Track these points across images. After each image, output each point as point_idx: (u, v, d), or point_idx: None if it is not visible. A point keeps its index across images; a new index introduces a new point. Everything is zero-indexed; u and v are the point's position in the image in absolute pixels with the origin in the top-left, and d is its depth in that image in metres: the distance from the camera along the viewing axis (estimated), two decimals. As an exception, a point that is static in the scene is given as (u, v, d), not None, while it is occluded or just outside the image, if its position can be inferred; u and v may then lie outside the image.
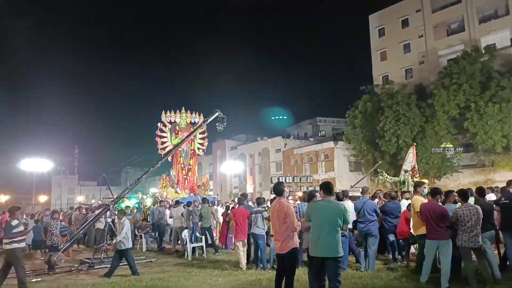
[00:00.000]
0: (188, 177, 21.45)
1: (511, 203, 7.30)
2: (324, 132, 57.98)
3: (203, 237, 12.32)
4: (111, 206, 11.73)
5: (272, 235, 9.34)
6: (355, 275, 7.77)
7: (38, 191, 48.70)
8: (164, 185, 21.58)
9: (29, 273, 9.77)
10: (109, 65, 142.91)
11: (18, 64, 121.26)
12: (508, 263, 7.46)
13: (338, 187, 24.00)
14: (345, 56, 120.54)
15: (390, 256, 9.65)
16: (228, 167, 45.64)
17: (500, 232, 7.49)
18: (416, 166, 14.52)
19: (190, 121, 21.91)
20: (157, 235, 14.67)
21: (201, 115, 22.07)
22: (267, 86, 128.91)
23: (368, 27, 40.12)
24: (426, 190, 8.97)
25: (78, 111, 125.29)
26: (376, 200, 10.83)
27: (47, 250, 11.71)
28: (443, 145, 26.57)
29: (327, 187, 5.48)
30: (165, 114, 21.43)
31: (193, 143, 21.71)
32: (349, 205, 8.64)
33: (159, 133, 21.17)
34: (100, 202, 33.01)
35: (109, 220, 11.61)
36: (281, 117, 70.29)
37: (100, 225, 13.84)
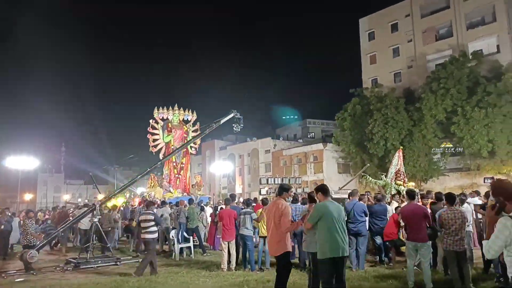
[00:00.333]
0: (180, 176, 20.97)
1: None
2: (313, 134, 58.26)
3: (191, 237, 12.26)
4: (97, 206, 11.62)
5: (261, 237, 9.39)
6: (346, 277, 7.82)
7: (23, 189, 47.91)
8: (152, 184, 21.38)
9: (13, 273, 9.63)
10: (96, 62, 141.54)
11: (2, 60, 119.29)
12: (492, 266, 7.59)
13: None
14: (335, 59, 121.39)
15: (377, 258, 9.75)
16: (217, 168, 45.49)
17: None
18: (401, 169, 14.49)
19: (183, 119, 21.47)
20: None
21: (194, 112, 21.75)
22: (258, 88, 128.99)
23: (358, 30, 40.49)
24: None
25: (65, 108, 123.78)
26: (362, 202, 10.95)
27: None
28: (443, 145, 26.93)
29: (325, 189, 5.54)
30: (158, 110, 20.85)
31: (186, 141, 21.10)
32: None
33: (150, 130, 20.61)
34: (86, 201, 32.61)
35: (96, 220, 11.47)
36: (290, 116, 68.61)
37: (86, 225, 13.59)
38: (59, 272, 9.77)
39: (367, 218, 9.24)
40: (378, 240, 9.39)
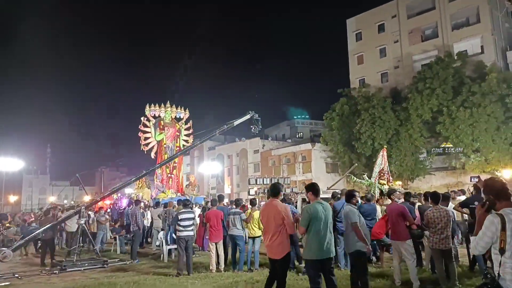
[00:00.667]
0: (173, 175, 20.48)
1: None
2: (302, 133, 58.45)
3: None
4: (82, 208, 11.50)
5: (250, 237, 9.37)
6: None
7: (8, 191, 47.10)
8: (140, 185, 21.18)
9: (-3, 277, 9.46)
10: (83, 62, 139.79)
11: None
12: (477, 264, 7.72)
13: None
14: (323, 59, 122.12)
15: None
16: (206, 168, 45.39)
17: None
18: (385, 168, 14.58)
19: (175, 116, 21.05)
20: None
21: (187, 110, 21.39)
22: (246, 88, 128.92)
23: (346, 31, 40.78)
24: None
25: (51, 108, 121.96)
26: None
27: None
28: (443, 145, 27.25)
29: (316, 189, 5.43)
30: (149, 107, 20.33)
31: (178, 139, 20.74)
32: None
33: (142, 128, 20.04)
34: (72, 202, 32.18)
35: (82, 222, 11.34)
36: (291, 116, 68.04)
37: (72, 227, 13.42)
38: (45, 275, 9.63)
39: None
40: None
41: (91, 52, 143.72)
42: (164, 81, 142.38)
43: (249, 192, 24.03)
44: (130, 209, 15.45)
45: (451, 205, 7.97)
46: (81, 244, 11.15)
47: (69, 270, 9.93)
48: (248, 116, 15.79)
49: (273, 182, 23.54)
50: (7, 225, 15.59)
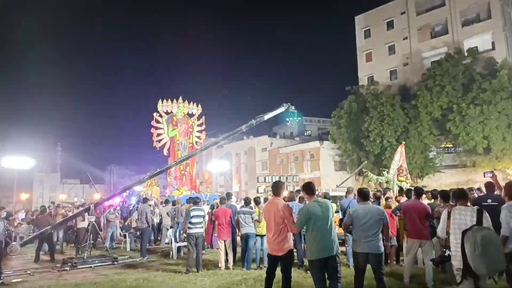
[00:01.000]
0: (186, 172, 20.14)
1: (499, 205, 7.29)
2: (310, 131, 58.36)
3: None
4: (91, 206, 11.62)
5: (257, 235, 9.38)
6: (342, 274, 7.85)
7: (19, 189, 47.73)
8: (149, 184, 21.25)
9: (10, 273, 9.61)
10: (92, 59, 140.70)
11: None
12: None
13: (323, 187, 24.20)
14: (332, 56, 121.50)
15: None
16: (214, 166, 45.48)
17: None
18: (404, 165, 14.41)
19: (188, 112, 20.72)
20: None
21: (199, 105, 21.01)
22: (254, 86, 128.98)
23: (354, 28, 40.54)
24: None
25: (61, 107, 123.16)
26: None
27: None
28: (443, 145, 27.07)
29: (310, 188, 5.44)
30: (162, 103, 19.96)
31: (191, 135, 20.40)
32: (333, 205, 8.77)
33: (154, 124, 19.64)
34: (82, 200, 32.53)
35: (92, 219, 11.48)
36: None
37: (83, 224, 13.60)
38: (56, 272, 9.77)
39: None
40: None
41: (101, 50, 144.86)
42: (174, 79, 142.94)
43: (257, 190, 24.05)
44: (139, 207, 15.66)
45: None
46: (91, 241, 11.26)
47: (79, 267, 10.05)
48: (282, 109, 14.23)
49: (281, 180, 23.66)
50: (19, 222, 15.89)
